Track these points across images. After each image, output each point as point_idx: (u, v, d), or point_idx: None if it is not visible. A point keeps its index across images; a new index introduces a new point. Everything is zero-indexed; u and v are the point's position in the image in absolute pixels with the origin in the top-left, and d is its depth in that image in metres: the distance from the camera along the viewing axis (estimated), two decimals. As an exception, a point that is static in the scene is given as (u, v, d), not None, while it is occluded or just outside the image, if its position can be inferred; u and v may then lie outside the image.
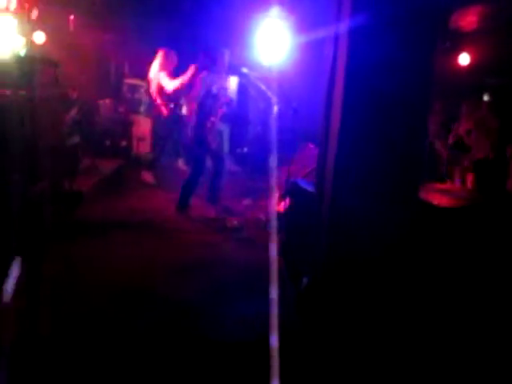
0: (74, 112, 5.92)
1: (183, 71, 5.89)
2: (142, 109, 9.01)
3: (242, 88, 6.51)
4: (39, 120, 4.00)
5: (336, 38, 2.67)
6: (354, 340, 2.66)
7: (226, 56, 5.28)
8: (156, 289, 3.19)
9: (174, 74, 6.12)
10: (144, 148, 8.96)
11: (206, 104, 4.99)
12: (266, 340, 2.05)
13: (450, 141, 6.09)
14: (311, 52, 5.90)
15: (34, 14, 6.12)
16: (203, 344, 2.57)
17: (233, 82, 11.19)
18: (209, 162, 5.35)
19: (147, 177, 6.52)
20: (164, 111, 6.44)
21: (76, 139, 5.59)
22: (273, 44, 5.12)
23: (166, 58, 6.32)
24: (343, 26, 2.58)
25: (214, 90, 4.98)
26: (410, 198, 2.78)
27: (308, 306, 2.91)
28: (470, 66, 7.87)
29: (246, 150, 8.29)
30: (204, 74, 5.03)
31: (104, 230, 4.20)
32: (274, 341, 2.05)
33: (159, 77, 6.19)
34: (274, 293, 2.19)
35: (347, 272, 2.75)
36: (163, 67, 6.24)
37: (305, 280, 2.99)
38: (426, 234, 2.97)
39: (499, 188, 4.94)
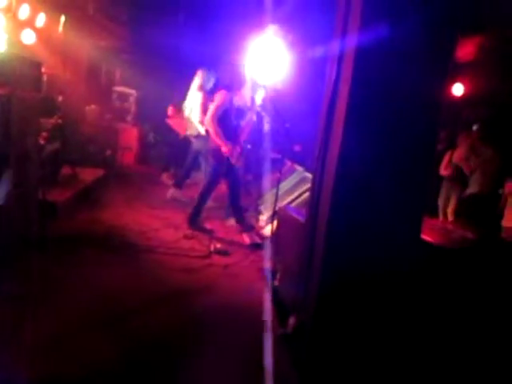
0: (56, 117, 5.63)
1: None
2: (130, 118, 8.80)
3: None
4: (14, 122, 3.74)
5: (340, 58, 2.46)
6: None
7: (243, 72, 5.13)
8: (122, 321, 2.84)
9: (209, 93, 5.97)
10: (129, 157, 8.70)
11: (232, 121, 4.82)
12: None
13: (444, 171, 5.94)
14: (308, 71, 5.75)
15: (24, 13, 5.89)
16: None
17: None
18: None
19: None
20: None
21: (56, 145, 5.29)
22: (269, 62, 4.97)
23: (203, 77, 6.21)
24: (349, 46, 2.37)
25: (237, 105, 4.83)
26: (414, 234, 2.56)
27: (297, 348, 2.65)
28: (462, 96, 7.84)
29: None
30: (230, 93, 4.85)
31: (76, 247, 3.88)
32: None
33: (199, 96, 6.11)
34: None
35: (341, 314, 2.50)
36: (200, 87, 6.16)
37: (292, 320, 2.72)
38: (425, 273, 2.77)
39: (492, 226, 4.79)
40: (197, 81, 6.26)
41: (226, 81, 5.06)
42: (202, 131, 5.90)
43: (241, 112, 4.86)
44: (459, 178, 5.78)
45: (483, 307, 2.95)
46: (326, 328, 2.56)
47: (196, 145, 6.21)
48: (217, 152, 4.77)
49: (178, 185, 6.36)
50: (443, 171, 5.94)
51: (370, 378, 2.54)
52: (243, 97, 4.84)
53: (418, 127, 2.43)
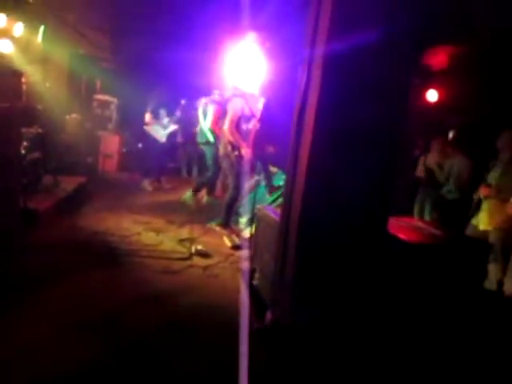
0: (37, 126, 5.68)
1: None
2: (111, 126, 8.86)
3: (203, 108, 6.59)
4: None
5: (309, 64, 2.61)
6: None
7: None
8: (104, 323, 2.90)
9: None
10: (111, 165, 8.76)
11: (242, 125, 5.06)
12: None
13: (419, 173, 6.15)
14: (285, 79, 5.92)
15: (0, 23, 5.93)
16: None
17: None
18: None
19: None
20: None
21: (37, 154, 5.33)
22: (248, 68, 5.12)
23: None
24: (317, 54, 2.52)
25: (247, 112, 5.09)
26: (380, 229, 2.71)
27: (274, 343, 2.76)
28: (436, 103, 8.12)
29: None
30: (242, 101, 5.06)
31: (58, 253, 3.92)
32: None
33: (212, 108, 6.29)
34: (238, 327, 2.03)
35: (315, 306, 2.63)
36: (213, 101, 6.33)
37: (269, 315, 2.84)
38: (392, 266, 2.92)
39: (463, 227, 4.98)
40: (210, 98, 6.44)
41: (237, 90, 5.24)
42: (211, 139, 6.11)
43: (247, 117, 5.07)
44: (433, 182, 5.99)
45: (444, 296, 3.12)
46: (301, 321, 2.68)
47: (209, 151, 6.36)
48: (237, 156, 4.99)
49: (211, 191, 6.64)
50: (418, 174, 6.15)
51: (346, 366, 2.65)
52: (249, 103, 5.06)
53: (383, 129, 2.59)
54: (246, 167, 5.00)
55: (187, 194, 6.65)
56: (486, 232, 4.34)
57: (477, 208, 4.58)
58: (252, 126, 5.11)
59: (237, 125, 4.99)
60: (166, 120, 7.64)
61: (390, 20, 2.62)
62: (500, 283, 4.01)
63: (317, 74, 2.60)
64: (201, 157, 10.12)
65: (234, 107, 5.03)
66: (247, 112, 5.05)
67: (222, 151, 5.27)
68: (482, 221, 4.42)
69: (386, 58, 2.61)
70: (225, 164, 5.27)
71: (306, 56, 2.68)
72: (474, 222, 4.60)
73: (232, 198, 5.12)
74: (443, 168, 5.82)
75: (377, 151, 2.65)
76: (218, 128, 5.95)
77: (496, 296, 3.98)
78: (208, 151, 6.39)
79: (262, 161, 5.89)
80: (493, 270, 4.02)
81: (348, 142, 2.57)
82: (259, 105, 5.27)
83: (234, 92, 5.22)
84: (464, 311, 3.13)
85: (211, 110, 6.29)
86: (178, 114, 7.88)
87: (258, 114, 5.18)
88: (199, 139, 6.59)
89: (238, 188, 5.08)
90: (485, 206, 4.42)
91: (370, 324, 2.78)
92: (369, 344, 2.74)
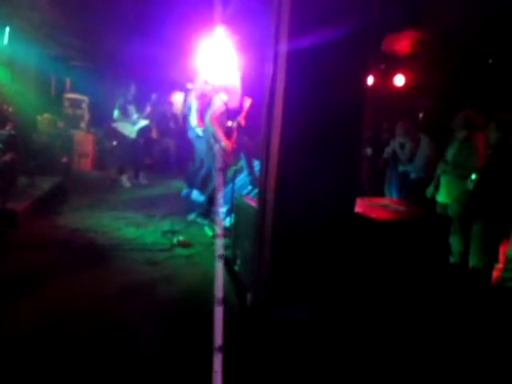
0: (9, 128, 5.66)
1: None
2: (83, 125, 8.82)
3: (188, 104, 6.60)
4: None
5: (274, 59, 2.76)
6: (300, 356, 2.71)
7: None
8: (92, 313, 3.01)
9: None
10: (86, 164, 8.74)
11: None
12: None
13: (385, 155, 6.41)
14: (255, 71, 6.04)
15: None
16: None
17: (179, 98, 11.26)
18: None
19: None
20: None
21: (11, 156, 5.32)
22: (217, 61, 5.22)
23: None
24: (281, 49, 2.68)
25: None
26: (349, 210, 2.91)
27: (254, 322, 2.93)
28: (404, 87, 8.38)
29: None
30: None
31: (39, 252, 4.00)
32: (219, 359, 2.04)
33: (195, 103, 6.22)
34: (218, 310, 2.17)
35: (290, 285, 2.81)
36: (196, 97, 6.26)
37: (249, 295, 3.01)
38: (362, 244, 3.12)
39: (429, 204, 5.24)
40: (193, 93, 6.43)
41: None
42: (200, 133, 6.16)
43: (232, 114, 5.18)
44: (396, 162, 6.27)
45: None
46: (279, 298, 2.86)
47: (200, 145, 6.40)
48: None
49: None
50: (385, 155, 6.42)
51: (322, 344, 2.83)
52: (233, 100, 5.16)
53: (345, 117, 2.78)
54: (226, 159, 5.12)
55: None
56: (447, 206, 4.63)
57: (438, 184, 4.86)
58: (235, 123, 5.22)
59: (218, 119, 5.09)
60: (135, 116, 7.66)
61: (349, 14, 2.80)
62: (463, 255, 4.26)
63: (281, 68, 2.75)
64: (179, 151, 10.21)
65: (216, 102, 5.13)
66: (225, 109, 5.14)
67: (205, 145, 5.41)
68: (441, 194, 4.72)
69: (344, 50, 2.78)
70: (209, 156, 5.39)
71: (271, 51, 2.84)
72: (439, 198, 4.87)
73: (214, 189, 5.24)
74: (404, 148, 6.10)
75: (342, 138, 2.84)
76: (203, 122, 6.00)
77: (459, 269, 4.24)
78: (199, 146, 6.42)
79: (244, 152, 6.01)
80: (454, 242, 4.28)
81: (315, 131, 2.75)
82: (245, 103, 5.37)
83: (215, 87, 5.32)
84: (429, 286, 3.36)
85: (194, 107, 6.32)
86: (149, 109, 7.89)
87: (241, 111, 5.28)
88: (190, 134, 6.62)
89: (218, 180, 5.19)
90: (443, 181, 4.71)
91: (342, 302, 2.98)
92: (342, 322, 2.93)
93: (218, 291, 2.15)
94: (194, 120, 6.31)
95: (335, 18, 2.74)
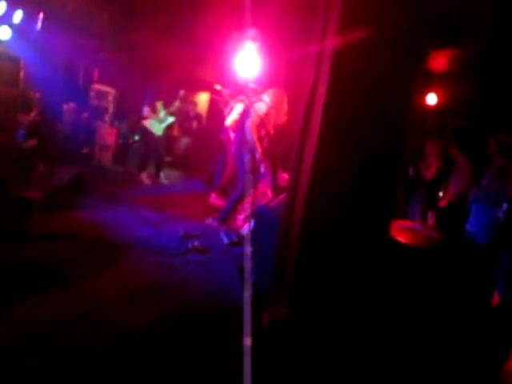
0: (33, 114, 5.59)
1: None
2: (107, 117, 8.75)
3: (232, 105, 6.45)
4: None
5: (319, 57, 2.57)
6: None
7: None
8: (97, 316, 2.84)
9: None
10: (107, 157, 8.66)
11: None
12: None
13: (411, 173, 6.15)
14: (288, 72, 5.88)
15: (0, 9, 5.82)
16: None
17: (203, 98, 11.17)
18: None
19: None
20: None
21: (32, 143, 5.25)
22: (249, 63, 5.07)
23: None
24: (327, 46, 2.49)
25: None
26: (383, 232, 2.69)
27: (271, 346, 2.73)
28: (436, 106, 8.12)
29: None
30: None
31: (52, 244, 3.87)
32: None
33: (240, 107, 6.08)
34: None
35: (315, 310, 2.60)
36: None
37: (266, 317, 2.80)
38: (392, 269, 2.91)
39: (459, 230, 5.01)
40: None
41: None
42: (232, 136, 6.01)
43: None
44: (423, 184, 6.03)
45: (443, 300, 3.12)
46: (300, 321, 2.65)
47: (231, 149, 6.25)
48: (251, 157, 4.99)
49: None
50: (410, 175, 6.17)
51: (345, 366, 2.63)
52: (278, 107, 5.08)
53: (388, 129, 2.56)
54: (257, 168, 4.98)
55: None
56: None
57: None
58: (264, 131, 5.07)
59: (259, 126, 4.95)
60: (162, 113, 7.56)
61: (395, 18, 2.59)
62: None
63: (325, 70, 2.56)
64: (199, 151, 10.08)
65: (259, 109, 4.99)
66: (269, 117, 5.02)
67: (235, 148, 5.25)
68: (469, 222, 4.52)
69: (392, 54, 2.58)
70: (237, 162, 5.24)
71: (315, 50, 2.65)
72: (467, 226, 4.65)
73: (239, 195, 5.09)
74: (430, 168, 5.88)
75: (382, 153, 2.63)
76: (236, 127, 5.83)
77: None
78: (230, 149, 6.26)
79: (271, 160, 5.84)
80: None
81: (354, 137, 2.54)
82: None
83: (257, 94, 5.20)
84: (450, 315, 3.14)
85: (238, 109, 6.09)
86: (177, 104, 7.77)
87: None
88: (222, 136, 6.49)
89: (245, 187, 5.05)
90: (473, 208, 4.51)
91: (368, 325, 2.77)
92: (367, 344, 2.73)
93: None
94: (229, 121, 6.16)
95: (382, 20, 2.54)
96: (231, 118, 6.08)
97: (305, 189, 2.62)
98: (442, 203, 5.76)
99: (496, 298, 3.87)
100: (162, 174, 7.78)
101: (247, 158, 4.96)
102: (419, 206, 6.21)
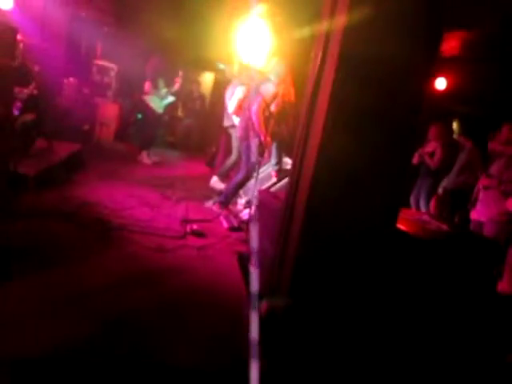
0: (32, 87, 5.42)
1: None
2: (110, 93, 8.58)
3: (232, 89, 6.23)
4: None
5: (327, 35, 2.40)
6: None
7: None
8: (87, 300, 2.74)
9: None
10: (107, 134, 8.51)
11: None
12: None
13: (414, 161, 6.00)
14: (294, 51, 5.67)
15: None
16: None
17: (208, 78, 10.95)
18: None
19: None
20: None
21: (30, 116, 5.10)
22: (256, 42, 4.88)
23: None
24: (337, 23, 2.31)
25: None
26: (389, 222, 2.56)
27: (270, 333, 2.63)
28: (444, 91, 7.89)
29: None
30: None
31: (46, 221, 3.75)
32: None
33: (242, 90, 5.94)
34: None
35: (316, 297, 2.49)
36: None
37: (264, 305, 2.70)
38: (397, 261, 2.80)
39: (464, 219, 4.90)
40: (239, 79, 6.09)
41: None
42: (236, 122, 5.82)
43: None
44: (426, 172, 5.89)
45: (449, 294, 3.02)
46: (299, 313, 2.55)
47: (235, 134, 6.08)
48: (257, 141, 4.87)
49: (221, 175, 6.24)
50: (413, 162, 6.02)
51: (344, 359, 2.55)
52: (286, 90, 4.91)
53: (399, 112, 2.41)
54: (263, 153, 4.86)
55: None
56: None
57: (476, 198, 4.54)
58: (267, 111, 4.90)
59: (263, 110, 4.81)
60: (164, 91, 7.36)
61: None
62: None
63: (334, 48, 2.39)
64: (202, 132, 9.93)
65: (267, 92, 4.81)
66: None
67: (240, 133, 5.10)
68: (476, 211, 4.40)
69: (406, 28, 2.40)
70: (243, 146, 5.10)
71: (323, 29, 2.48)
72: (473, 215, 4.53)
73: (242, 179, 4.97)
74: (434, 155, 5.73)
75: (391, 144, 2.47)
76: (240, 110, 5.65)
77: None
78: (234, 134, 6.09)
79: (277, 143, 5.69)
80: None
81: (363, 124, 2.38)
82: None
83: (262, 76, 5.02)
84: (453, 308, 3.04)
85: (239, 94, 5.93)
86: (178, 85, 7.56)
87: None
88: (225, 123, 6.29)
89: (249, 171, 4.93)
90: (482, 197, 4.39)
91: (369, 317, 2.68)
92: (369, 336, 2.64)
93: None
94: (232, 107, 5.98)
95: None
96: (232, 106, 5.90)
97: (309, 176, 2.48)
98: (444, 191, 5.64)
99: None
100: (144, 153, 7.39)
101: (255, 141, 4.83)
102: (424, 195, 6.08)
